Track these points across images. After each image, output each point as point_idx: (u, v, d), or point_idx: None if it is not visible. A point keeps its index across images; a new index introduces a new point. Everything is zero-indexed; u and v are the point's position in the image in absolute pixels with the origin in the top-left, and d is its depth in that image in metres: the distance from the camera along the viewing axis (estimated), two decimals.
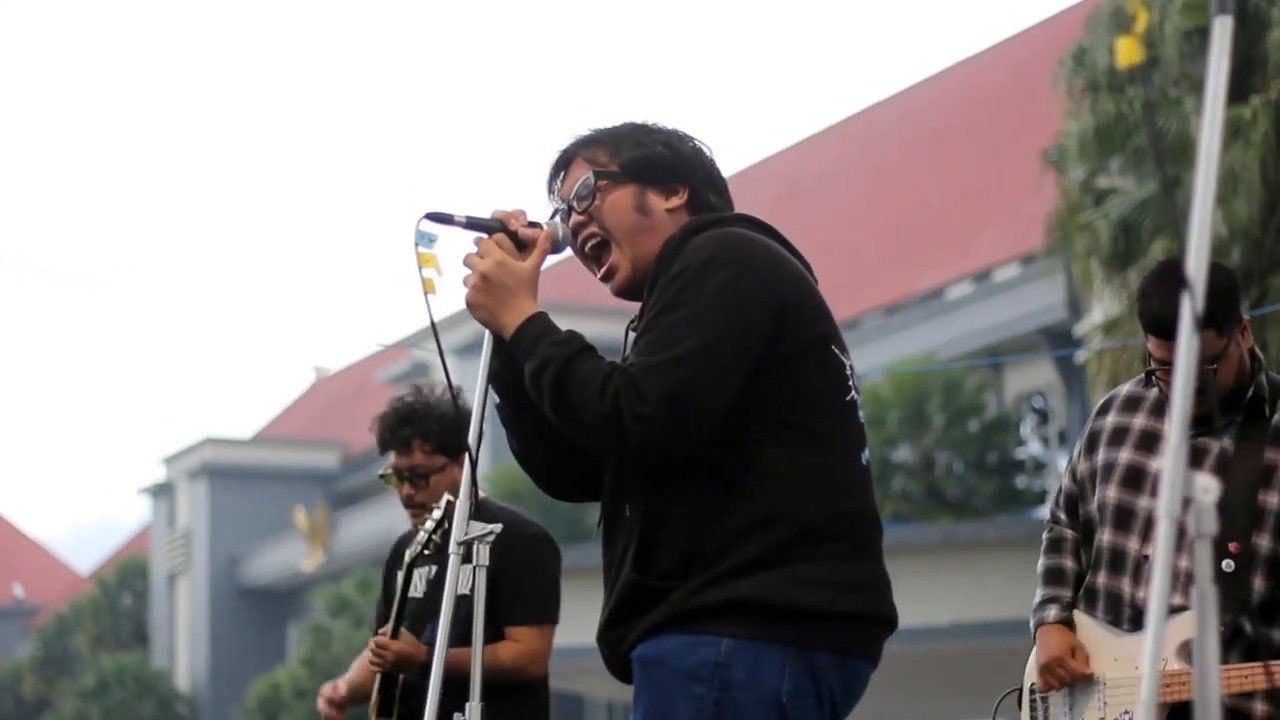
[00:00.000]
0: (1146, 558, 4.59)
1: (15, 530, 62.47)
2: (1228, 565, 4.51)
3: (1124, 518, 4.70)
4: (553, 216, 3.70)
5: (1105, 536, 4.73)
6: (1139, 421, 4.78)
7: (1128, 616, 4.65)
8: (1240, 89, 16.08)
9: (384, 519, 43.46)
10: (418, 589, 5.48)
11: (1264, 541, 4.55)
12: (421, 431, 5.40)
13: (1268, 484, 4.57)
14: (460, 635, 4.81)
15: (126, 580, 50.95)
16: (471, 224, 3.62)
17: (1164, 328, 4.60)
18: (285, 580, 46.83)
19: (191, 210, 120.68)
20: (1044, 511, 4.97)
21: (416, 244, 3.54)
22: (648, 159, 3.66)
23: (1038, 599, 4.87)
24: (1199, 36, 16.96)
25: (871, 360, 28.14)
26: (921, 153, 37.42)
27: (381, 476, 5.52)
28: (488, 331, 3.60)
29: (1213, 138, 2.35)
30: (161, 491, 50.15)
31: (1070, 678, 4.71)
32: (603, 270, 3.65)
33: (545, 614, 5.40)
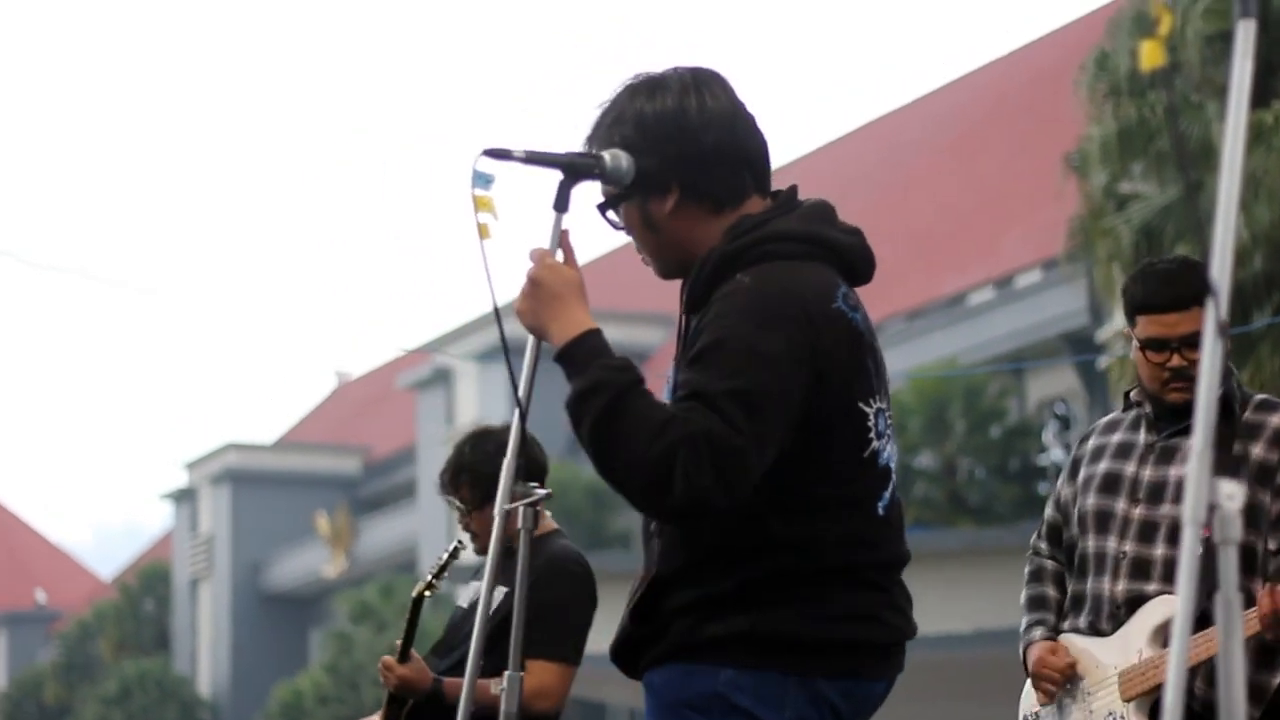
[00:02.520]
0: (1125, 554, 4.76)
1: (38, 536, 62.61)
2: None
3: (1103, 521, 4.85)
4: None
5: (1089, 543, 4.87)
6: (1117, 437, 4.93)
7: (1107, 614, 4.78)
8: (1262, 94, 16.04)
9: (406, 524, 43.47)
10: (462, 605, 5.73)
11: None
12: (454, 484, 5.69)
13: (1236, 475, 4.69)
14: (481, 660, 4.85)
15: (149, 586, 51.07)
16: (531, 159, 3.41)
17: (1167, 296, 4.67)
18: (307, 586, 46.90)
19: (216, 217, 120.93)
20: None
21: (473, 185, 3.34)
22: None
23: (1024, 626, 5.03)
24: (1221, 41, 16.90)
25: (893, 366, 28.06)
26: (943, 158, 37.39)
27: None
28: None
29: (1236, 142, 2.33)
30: (184, 497, 50.26)
31: (1059, 674, 4.83)
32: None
33: (557, 650, 5.32)
